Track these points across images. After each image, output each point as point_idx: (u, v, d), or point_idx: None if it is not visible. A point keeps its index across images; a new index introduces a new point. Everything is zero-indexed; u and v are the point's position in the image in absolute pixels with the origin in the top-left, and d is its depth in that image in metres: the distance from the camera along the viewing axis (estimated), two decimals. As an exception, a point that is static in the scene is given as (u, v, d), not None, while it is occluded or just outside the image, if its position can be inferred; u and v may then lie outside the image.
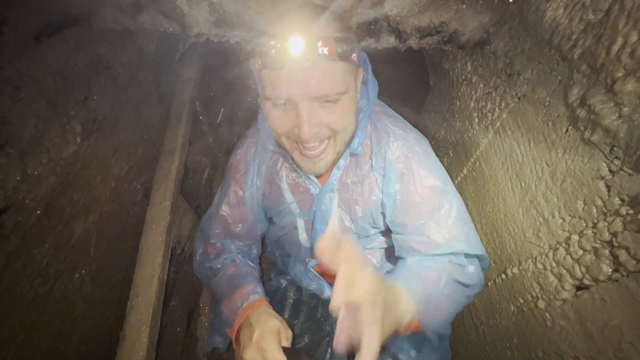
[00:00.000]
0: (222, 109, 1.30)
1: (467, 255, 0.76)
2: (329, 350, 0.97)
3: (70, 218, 0.79)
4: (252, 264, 0.94)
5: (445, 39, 0.84)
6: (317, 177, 0.83)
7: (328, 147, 0.69)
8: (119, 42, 1.00)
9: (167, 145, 1.15)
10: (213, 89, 1.69)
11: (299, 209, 0.89)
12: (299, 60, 0.57)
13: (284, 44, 0.56)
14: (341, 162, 0.79)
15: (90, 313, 0.84)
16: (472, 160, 0.93)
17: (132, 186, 1.05)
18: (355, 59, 0.64)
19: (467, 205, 0.82)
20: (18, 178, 0.65)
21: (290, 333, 0.73)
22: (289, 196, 0.86)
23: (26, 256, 0.68)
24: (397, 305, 0.60)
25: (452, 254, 0.76)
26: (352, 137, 0.72)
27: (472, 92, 0.92)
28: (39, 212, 0.70)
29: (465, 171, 0.98)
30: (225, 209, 0.92)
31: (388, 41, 0.84)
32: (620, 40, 0.47)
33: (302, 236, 0.92)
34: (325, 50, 0.57)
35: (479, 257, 0.77)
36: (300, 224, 0.91)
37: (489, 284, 0.84)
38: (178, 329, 1.17)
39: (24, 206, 0.67)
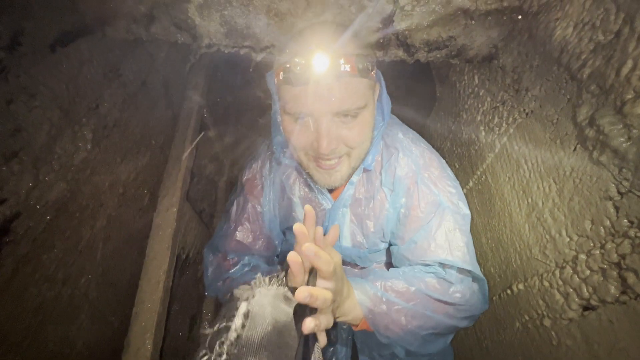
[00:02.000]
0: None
1: (459, 271, 0.74)
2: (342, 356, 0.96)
3: (79, 223, 0.80)
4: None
5: (453, 53, 0.85)
6: (330, 192, 0.83)
7: (343, 160, 0.70)
8: (130, 50, 1.02)
9: (174, 151, 1.16)
10: (220, 96, 1.71)
11: None
12: (322, 77, 0.58)
13: (308, 61, 0.57)
14: (354, 178, 0.79)
15: (95, 318, 0.85)
16: (479, 173, 0.93)
17: (139, 192, 1.06)
18: (374, 75, 0.66)
19: (472, 218, 0.81)
20: (30, 184, 0.66)
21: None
22: (300, 211, 0.87)
23: (36, 261, 0.69)
24: (345, 299, 0.62)
25: (440, 264, 0.75)
26: (367, 154, 0.73)
27: (479, 106, 0.93)
28: (49, 217, 0.71)
29: (471, 184, 0.98)
30: (245, 225, 0.91)
31: (396, 54, 0.85)
32: (630, 63, 0.47)
33: None
34: (347, 67, 0.58)
35: (473, 276, 0.75)
36: None
37: (494, 298, 0.83)
38: (180, 334, 1.18)
39: (35, 212, 0.68)
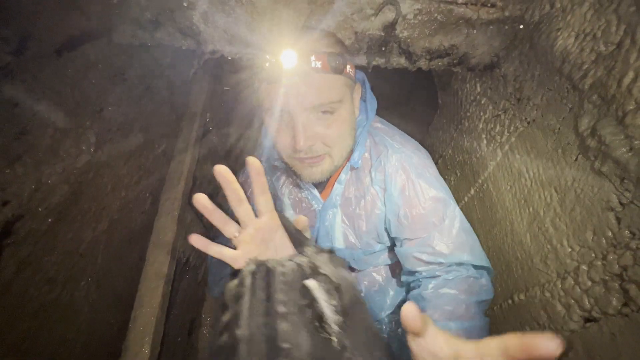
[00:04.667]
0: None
1: (475, 267, 0.76)
2: None
3: (81, 226, 0.80)
4: None
5: (455, 61, 0.85)
6: (319, 191, 0.83)
7: (325, 159, 0.71)
8: (136, 55, 1.03)
9: (177, 155, 1.17)
10: (223, 99, 1.72)
11: None
12: (294, 73, 0.59)
13: (277, 58, 0.59)
14: (342, 177, 0.79)
15: (94, 321, 0.85)
16: (480, 181, 0.92)
17: (141, 195, 1.06)
18: (351, 73, 0.67)
19: (473, 227, 0.81)
20: (33, 187, 0.67)
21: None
22: (290, 212, 0.87)
23: (37, 263, 0.69)
24: None
25: (457, 264, 0.75)
26: (351, 152, 0.73)
27: (481, 114, 0.93)
28: (51, 220, 0.72)
29: (472, 192, 0.97)
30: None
31: (398, 62, 0.85)
32: (631, 74, 0.47)
33: None
34: (319, 64, 0.60)
35: (485, 269, 0.77)
36: None
37: (495, 308, 0.83)
38: (179, 339, 1.17)
39: (38, 214, 0.68)
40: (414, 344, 0.36)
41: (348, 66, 0.66)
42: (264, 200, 0.50)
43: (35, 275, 0.69)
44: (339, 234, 0.86)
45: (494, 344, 0.31)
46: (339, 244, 0.86)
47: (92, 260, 0.85)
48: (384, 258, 0.94)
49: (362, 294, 0.95)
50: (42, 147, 0.69)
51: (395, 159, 0.78)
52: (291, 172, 0.80)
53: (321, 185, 0.85)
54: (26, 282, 0.67)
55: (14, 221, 0.63)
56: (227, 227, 0.50)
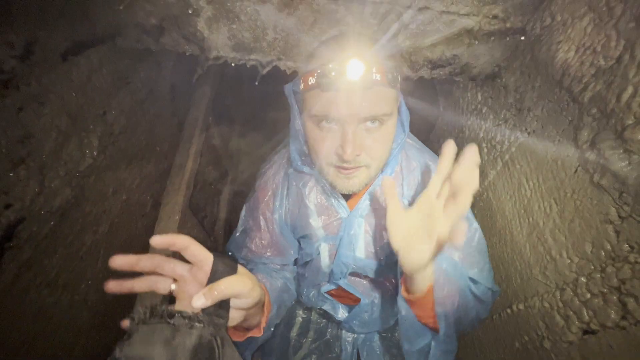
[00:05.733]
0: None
1: (485, 288, 0.75)
2: None
3: (82, 229, 0.81)
4: (279, 274, 0.92)
5: (456, 70, 0.86)
6: (347, 200, 0.84)
7: (362, 170, 0.70)
8: (140, 60, 1.04)
9: (178, 159, 1.18)
10: (226, 103, 1.73)
11: (324, 233, 0.88)
12: (354, 84, 0.59)
13: (343, 67, 0.58)
14: (372, 188, 0.79)
15: (93, 324, 0.85)
16: (480, 190, 0.93)
17: (142, 198, 1.07)
18: (399, 87, 0.67)
19: (473, 236, 0.81)
20: (36, 190, 0.67)
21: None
22: (315, 219, 0.86)
23: (37, 266, 0.69)
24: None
25: (471, 279, 0.74)
26: (386, 165, 0.74)
27: (482, 123, 0.93)
28: (52, 223, 0.72)
29: (472, 200, 0.98)
30: (254, 233, 0.91)
31: (400, 70, 0.86)
32: (630, 89, 0.48)
33: (325, 261, 0.90)
34: (378, 76, 0.60)
35: (493, 292, 0.77)
36: (324, 248, 0.89)
37: (494, 317, 0.83)
38: (177, 343, 1.17)
39: (39, 217, 0.69)
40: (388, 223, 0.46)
41: (400, 80, 0.66)
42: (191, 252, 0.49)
43: (36, 278, 0.69)
44: (362, 244, 0.85)
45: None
46: (359, 253, 0.86)
47: (93, 263, 0.85)
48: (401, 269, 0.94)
49: (376, 301, 0.95)
50: (46, 151, 0.70)
51: (427, 177, 0.79)
52: (321, 180, 0.80)
53: (349, 195, 0.85)
54: (27, 285, 0.67)
55: (16, 224, 0.63)
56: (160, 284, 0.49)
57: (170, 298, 0.51)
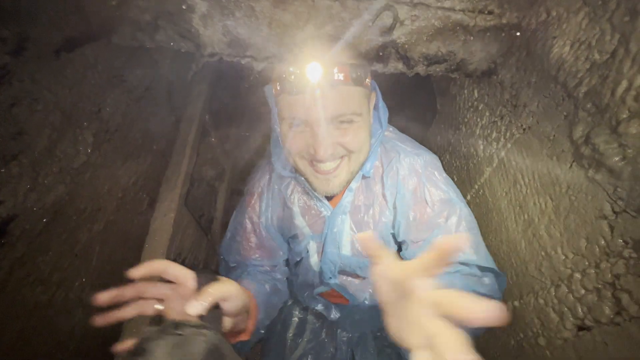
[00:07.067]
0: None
1: (480, 268, 0.75)
2: None
3: (76, 227, 0.80)
4: (266, 277, 0.93)
5: (452, 67, 0.85)
6: (329, 199, 0.84)
7: (342, 165, 0.71)
8: (135, 56, 1.04)
9: (175, 157, 1.17)
10: (223, 102, 1.72)
11: (311, 231, 0.89)
12: (317, 85, 0.60)
13: (303, 70, 0.60)
14: (353, 185, 0.80)
15: (88, 322, 0.84)
16: (476, 187, 0.92)
17: (138, 196, 1.06)
18: (369, 84, 0.67)
19: (469, 233, 0.81)
20: (29, 186, 0.67)
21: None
22: (299, 219, 0.87)
23: (31, 263, 0.69)
24: None
25: (461, 264, 0.74)
26: (366, 160, 0.74)
27: (478, 120, 0.93)
28: (45, 220, 0.72)
29: (469, 197, 0.97)
30: (241, 236, 0.93)
31: (396, 67, 0.85)
32: (625, 83, 0.48)
33: (313, 259, 0.92)
34: (341, 76, 0.61)
35: (492, 272, 0.76)
36: (312, 246, 0.91)
37: (490, 314, 0.82)
38: (174, 341, 1.17)
39: (32, 214, 0.68)
40: (375, 270, 0.41)
41: (367, 78, 0.67)
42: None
43: (29, 275, 0.68)
44: (347, 241, 0.86)
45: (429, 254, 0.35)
46: (345, 251, 0.87)
47: (87, 261, 0.85)
48: None
49: (366, 302, 0.95)
50: (39, 148, 0.69)
51: (407, 162, 0.80)
52: (302, 181, 0.81)
53: None
54: (20, 283, 0.66)
55: (8, 221, 0.63)
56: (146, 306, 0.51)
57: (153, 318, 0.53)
